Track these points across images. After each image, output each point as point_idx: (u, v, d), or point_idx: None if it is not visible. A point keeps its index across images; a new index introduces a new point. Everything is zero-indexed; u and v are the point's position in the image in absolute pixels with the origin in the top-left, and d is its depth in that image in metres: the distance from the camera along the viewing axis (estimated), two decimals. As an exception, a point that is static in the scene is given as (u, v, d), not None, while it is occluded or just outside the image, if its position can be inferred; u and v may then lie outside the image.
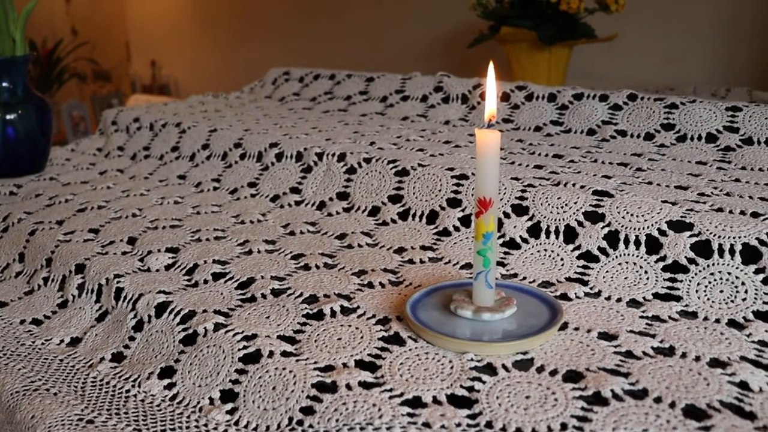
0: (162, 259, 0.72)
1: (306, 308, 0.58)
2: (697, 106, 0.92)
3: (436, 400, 0.45)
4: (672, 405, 0.43)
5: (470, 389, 0.45)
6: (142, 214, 0.88)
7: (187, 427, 0.49)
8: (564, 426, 0.41)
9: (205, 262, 0.70)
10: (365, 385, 0.47)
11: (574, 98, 1.03)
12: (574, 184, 0.70)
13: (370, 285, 0.62)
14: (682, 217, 0.61)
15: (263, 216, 0.84)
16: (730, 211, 0.62)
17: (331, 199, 0.86)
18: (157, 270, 0.70)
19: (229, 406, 0.50)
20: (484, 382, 0.46)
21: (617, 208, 0.64)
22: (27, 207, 0.96)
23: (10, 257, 0.86)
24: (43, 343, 0.65)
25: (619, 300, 0.58)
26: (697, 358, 0.48)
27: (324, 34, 2.82)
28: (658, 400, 0.43)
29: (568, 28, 1.62)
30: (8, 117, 1.14)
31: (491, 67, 0.50)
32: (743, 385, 0.45)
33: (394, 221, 0.78)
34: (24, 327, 0.69)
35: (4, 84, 1.14)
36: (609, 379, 0.45)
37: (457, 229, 0.73)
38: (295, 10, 2.95)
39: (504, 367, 0.48)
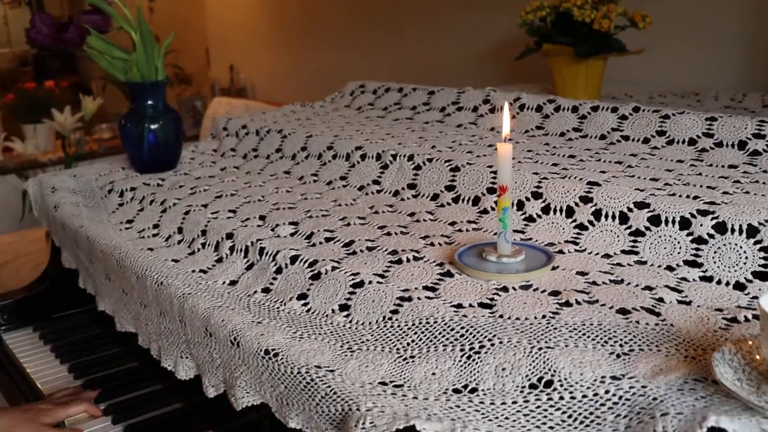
0: (287, 229, 1.04)
1: (390, 258, 0.89)
2: (684, 116, 1.19)
3: (471, 305, 0.75)
4: (611, 307, 0.72)
5: (491, 299, 0.76)
6: (265, 200, 1.20)
7: (320, 325, 0.81)
8: (544, 316, 0.71)
9: (318, 231, 1.01)
10: (429, 298, 0.77)
11: (591, 110, 1.31)
12: (575, 177, 0.99)
13: (432, 244, 0.93)
14: (644, 199, 0.90)
15: (354, 201, 1.16)
16: (679, 196, 0.90)
17: (403, 188, 1.17)
18: (285, 236, 1.02)
19: (344, 313, 0.81)
20: (500, 296, 0.76)
21: (602, 193, 0.93)
22: (176, 195, 1.30)
23: (171, 230, 1.19)
24: (213, 283, 0.98)
25: (597, 254, 0.87)
26: (636, 285, 0.78)
27: (385, 44, 3.13)
28: (603, 305, 0.73)
29: (602, 44, 1.89)
30: (152, 127, 1.48)
31: (506, 106, 0.80)
32: (660, 300, 0.74)
33: (449, 204, 1.09)
34: (196, 274, 1.02)
35: (149, 102, 1.48)
36: (575, 295, 0.75)
37: (493, 209, 1.03)
38: (360, 23, 3.27)
39: (513, 288, 0.78)
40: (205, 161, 1.56)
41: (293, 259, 0.93)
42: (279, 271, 0.94)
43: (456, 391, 0.66)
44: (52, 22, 1.43)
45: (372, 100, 1.74)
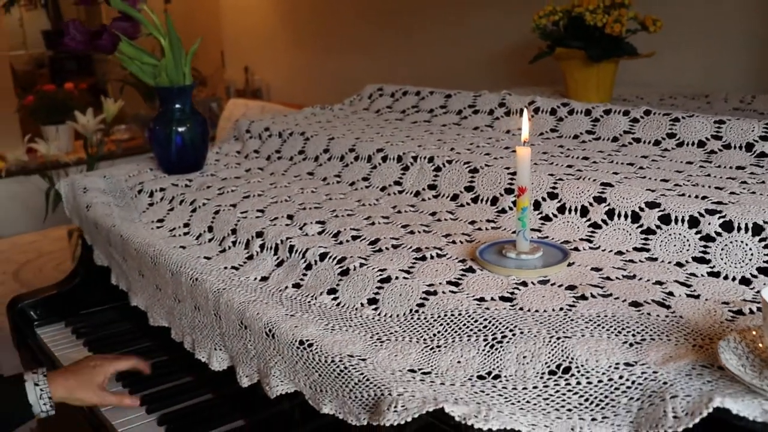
0: (315, 227, 1.10)
1: (415, 255, 0.94)
2: (693, 119, 1.24)
3: (492, 299, 0.80)
4: (624, 300, 0.77)
5: (512, 293, 0.81)
6: (291, 200, 1.26)
7: (350, 318, 0.86)
8: (561, 308, 0.76)
9: (345, 229, 1.07)
10: (453, 292, 0.83)
11: (604, 113, 1.36)
12: (589, 178, 1.04)
13: (454, 242, 0.98)
14: (655, 199, 0.95)
15: (377, 201, 1.21)
16: (689, 196, 0.95)
17: (423, 189, 1.22)
18: (313, 235, 1.08)
19: (373, 306, 0.87)
20: (520, 290, 0.81)
21: (614, 194, 0.98)
22: (204, 195, 1.36)
23: (202, 229, 1.25)
24: (245, 279, 1.03)
25: (610, 251, 0.92)
26: (648, 280, 0.83)
27: (396, 47, 3.18)
28: (616, 298, 0.78)
29: (613, 48, 1.93)
30: (179, 130, 1.54)
31: (525, 112, 0.85)
32: (670, 293, 0.79)
33: (468, 204, 1.14)
34: (227, 271, 1.07)
35: (177, 106, 1.54)
36: (590, 289, 0.80)
37: (510, 208, 1.08)
38: (371, 25, 3.32)
39: (532, 283, 0.83)
40: (230, 163, 1.62)
41: (322, 256, 0.99)
42: (309, 267, 0.99)
43: (480, 377, 0.71)
44: (85, 29, 1.49)
45: (390, 103, 1.80)
